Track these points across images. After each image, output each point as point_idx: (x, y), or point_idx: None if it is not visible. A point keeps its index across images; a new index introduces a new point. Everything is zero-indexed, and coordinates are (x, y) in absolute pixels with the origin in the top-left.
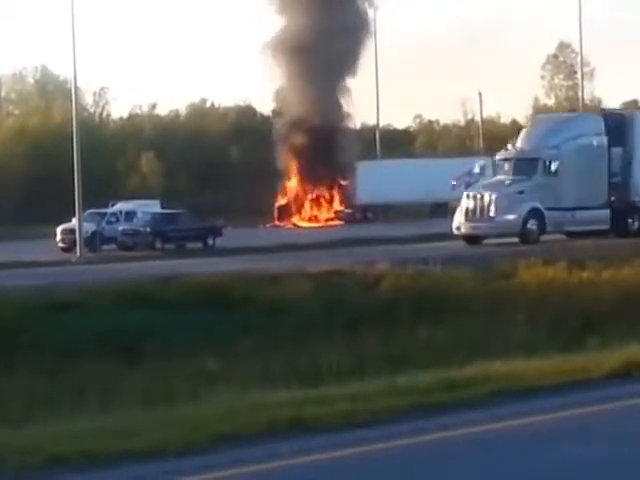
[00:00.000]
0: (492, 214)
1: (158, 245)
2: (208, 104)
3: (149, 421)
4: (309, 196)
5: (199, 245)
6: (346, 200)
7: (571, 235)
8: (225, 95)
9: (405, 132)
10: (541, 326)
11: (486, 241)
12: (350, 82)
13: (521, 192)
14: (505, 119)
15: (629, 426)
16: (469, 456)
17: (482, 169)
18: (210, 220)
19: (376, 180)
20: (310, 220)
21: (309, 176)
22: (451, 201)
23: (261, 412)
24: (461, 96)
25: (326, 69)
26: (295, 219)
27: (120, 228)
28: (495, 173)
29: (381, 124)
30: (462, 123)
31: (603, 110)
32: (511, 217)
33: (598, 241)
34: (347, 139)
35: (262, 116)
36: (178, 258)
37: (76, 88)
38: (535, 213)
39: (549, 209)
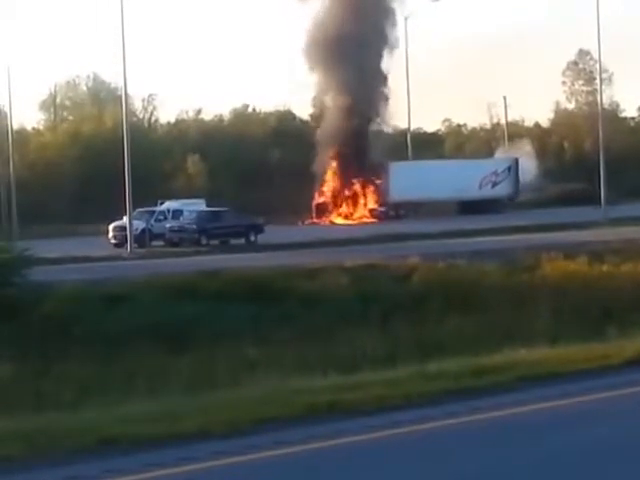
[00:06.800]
0: None
1: (203, 241)
2: (250, 109)
3: (194, 405)
4: (345, 195)
5: (242, 241)
6: (380, 198)
7: None
8: (266, 101)
9: (434, 135)
10: (563, 316)
11: None
12: (384, 88)
13: None
14: (528, 122)
15: None
16: (496, 437)
17: (509, 169)
18: (252, 218)
19: (408, 180)
20: (346, 217)
21: (345, 176)
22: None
23: (300, 397)
24: (487, 101)
25: (363, 71)
26: (332, 216)
27: (168, 225)
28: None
29: (412, 128)
30: (488, 126)
31: None
32: None
33: None
34: (381, 141)
35: (301, 120)
36: (222, 253)
37: (126, 95)
38: None
39: None
